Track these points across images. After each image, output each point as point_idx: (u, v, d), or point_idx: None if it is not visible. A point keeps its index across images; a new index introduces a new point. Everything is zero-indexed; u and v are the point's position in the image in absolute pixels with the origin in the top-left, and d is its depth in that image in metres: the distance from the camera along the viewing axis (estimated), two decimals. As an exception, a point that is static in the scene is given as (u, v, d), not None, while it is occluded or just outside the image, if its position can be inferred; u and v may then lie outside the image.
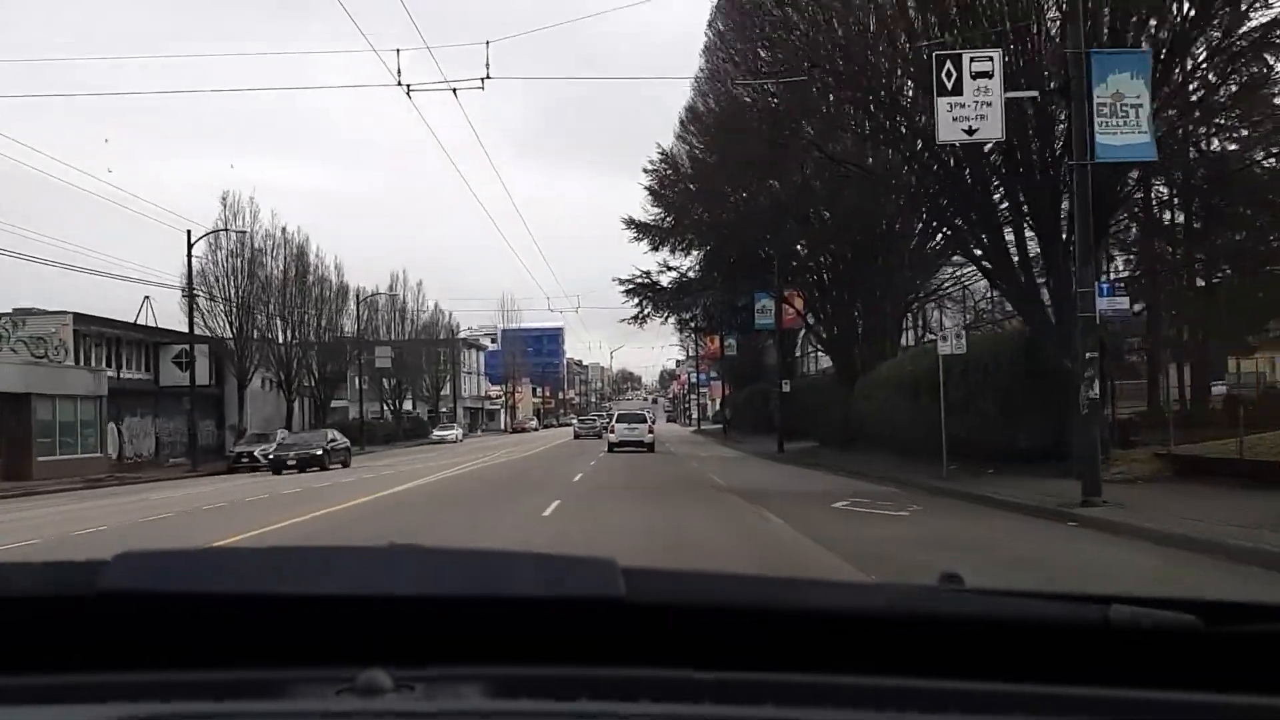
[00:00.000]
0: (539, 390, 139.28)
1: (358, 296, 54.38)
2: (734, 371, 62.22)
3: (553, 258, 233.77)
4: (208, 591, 1.13)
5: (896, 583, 1.58)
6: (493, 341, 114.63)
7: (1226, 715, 1.10)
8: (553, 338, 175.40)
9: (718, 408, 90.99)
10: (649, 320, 54.27)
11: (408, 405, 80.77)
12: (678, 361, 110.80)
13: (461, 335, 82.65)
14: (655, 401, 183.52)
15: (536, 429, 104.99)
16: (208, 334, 41.21)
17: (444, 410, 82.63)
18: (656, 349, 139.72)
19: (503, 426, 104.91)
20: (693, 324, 57.69)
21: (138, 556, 1.18)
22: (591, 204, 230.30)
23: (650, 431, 43.82)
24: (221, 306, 40.81)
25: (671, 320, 56.63)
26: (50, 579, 1.22)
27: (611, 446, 41.75)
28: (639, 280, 53.46)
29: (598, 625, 1.15)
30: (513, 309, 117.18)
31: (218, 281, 40.89)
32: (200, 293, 39.50)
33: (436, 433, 68.03)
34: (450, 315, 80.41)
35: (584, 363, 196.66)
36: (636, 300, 54.03)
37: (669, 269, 52.33)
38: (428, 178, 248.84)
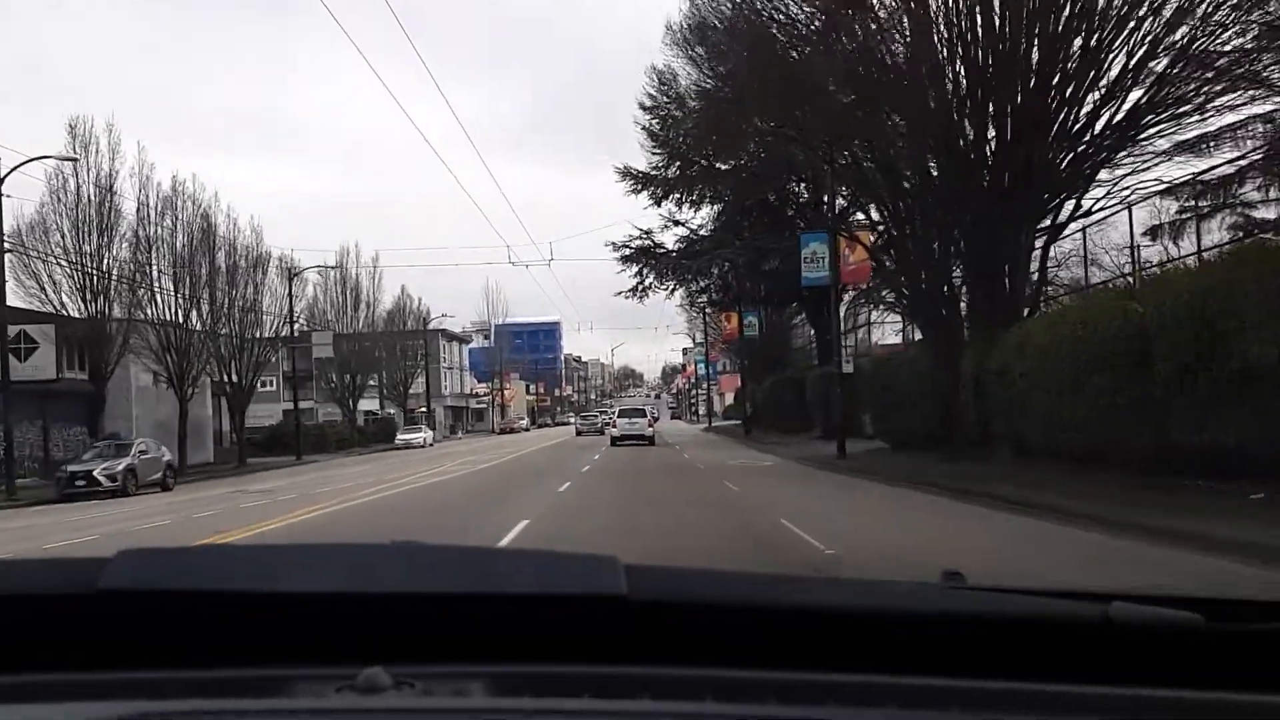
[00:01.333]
0: (532, 387, 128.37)
1: (289, 271, 43.66)
2: (754, 357, 51.49)
3: (552, 261, 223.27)
4: (208, 589, 1.13)
5: (899, 581, 1.34)
6: (486, 338, 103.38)
7: (1227, 712, 1.09)
8: (549, 333, 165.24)
9: (731, 401, 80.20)
10: (650, 292, 43.74)
11: (372, 405, 70.20)
12: (684, 350, 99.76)
13: (436, 325, 71.55)
14: (658, 397, 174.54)
15: (527, 429, 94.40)
16: (52, 309, 30.49)
17: (420, 410, 71.96)
18: (660, 328, 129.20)
19: (491, 427, 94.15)
20: (705, 297, 46.90)
21: (138, 554, 1.17)
22: (591, 200, 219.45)
23: (650, 425, 43.96)
24: (65, 270, 30.04)
25: (679, 293, 45.99)
26: (52, 577, 1.22)
27: (614, 440, 41.97)
28: (637, 242, 42.84)
29: (599, 623, 1.13)
30: (498, 297, 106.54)
31: (64, 238, 30.17)
32: (32, 252, 28.88)
33: (401, 436, 57.39)
34: (419, 301, 69.59)
35: (583, 359, 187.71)
36: (635, 268, 43.46)
37: (675, 223, 41.72)
38: (417, 175, 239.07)
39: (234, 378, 39.73)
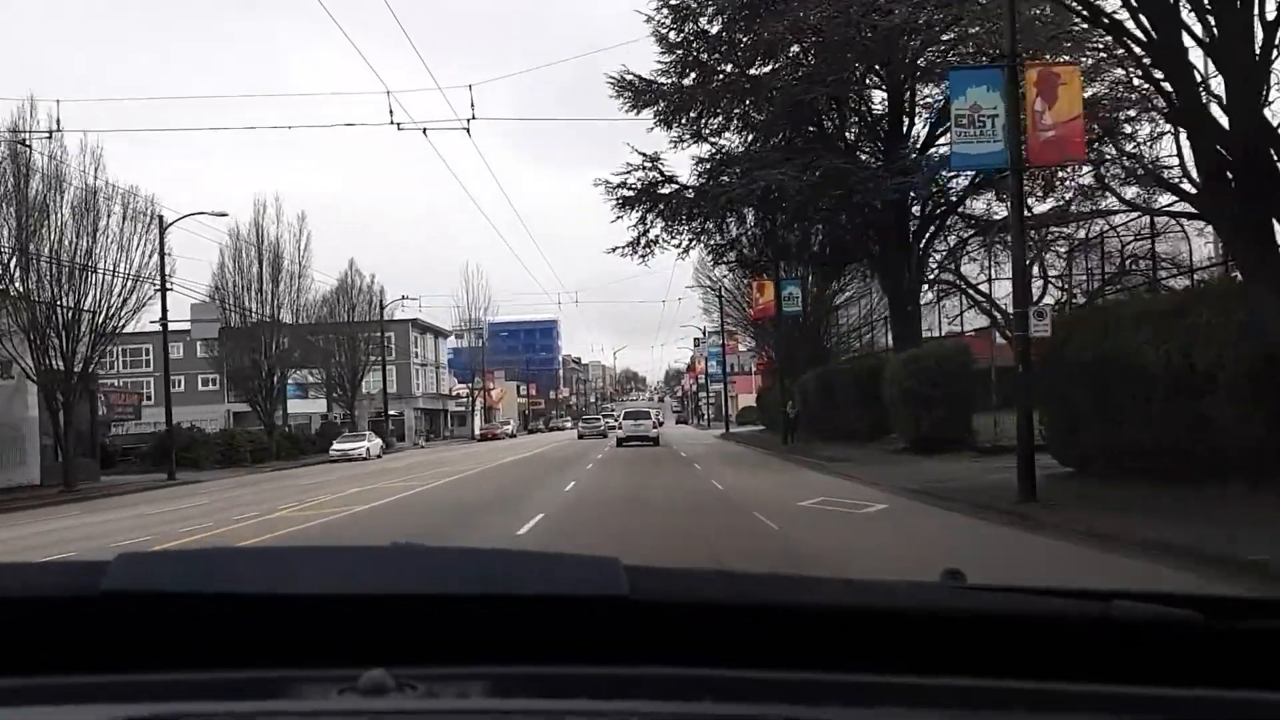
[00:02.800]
0: (523, 388, 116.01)
1: (159, 220, 31.46)
2: (795, 341, 39.12)
3: (553, 260, 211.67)
4: (211, 591, 1.12)
5: (899, 580, 1.32)
6: (479, 338, 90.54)
7: (1227, 710, 1.09)
8: (546, 331, 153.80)
9: (754, 403, 67.95)
10: (657, 248, 31.51)
11: (318, 407, 58.11)
12: (695, 341, 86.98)
13: (394, 309, 59.11)
14: (661, 401, 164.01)
15: (513, 435, 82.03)
16: None
17: (377, 413, 59.65)
18: (667, 301, 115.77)
19: (472, 432, 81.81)
20: (733, 253, 34.42)
21: (140, 557, 1.17)
22: (589, 201, 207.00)
23: (655, 427, 43.37)
24: None
25: (696, 250, 33.57)
26: (54, 580, 1.21)
27: (620, 441, 42.06)
28: (639, 174, 30.65)
29: (601, 624, 1.13)
30: (479, 282, 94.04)
31: None
32: None
33: (336, 446, 45.08)
34: (373, 279, 57.16)
35: (583, 360, 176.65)
36: (637, 214, 31.28)
37: (696, 138, 29.44)
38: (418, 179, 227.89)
39: (58, 363, 27.60)
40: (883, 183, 25.21)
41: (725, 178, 27.79)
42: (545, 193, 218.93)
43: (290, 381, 56.56)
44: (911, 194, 27.27)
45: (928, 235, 29.71)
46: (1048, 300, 32.45)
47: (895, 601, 1.22)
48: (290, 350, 44.58)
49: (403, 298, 55.50)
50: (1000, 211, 30.48)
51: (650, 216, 30.55)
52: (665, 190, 30.04)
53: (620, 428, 44.85)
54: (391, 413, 74.15)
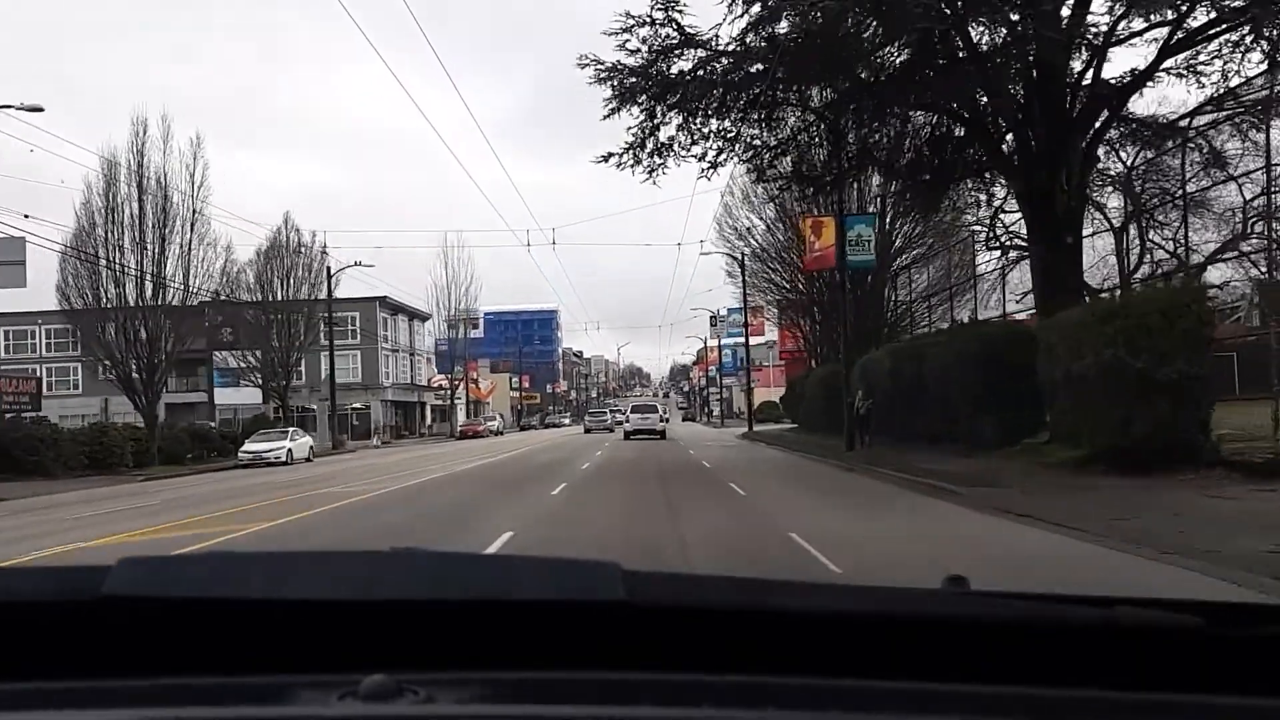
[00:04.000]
0: (516, 381, 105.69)
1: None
2: (846, 309, 28.52)
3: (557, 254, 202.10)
4: (212, 596, 1.13)
5: (901, 586, 1.31)
6: (474, 327, 79.96)
7: (1230, 716, 1.09)
8: (545, 322, 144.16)
9: (778, 396, 57.59)
10: (671, 156, 21.18)
11: (251, 397, 47.75)
12: (711, 319, 76.20)
13: (341, 274, 48.48)
14: (667, 396, 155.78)
15: (499, 432, 71.62)
16: None
17: (322, 403, 49.36)
18: (681, 248, 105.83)
19: (451, 429, 71.41)
20: (786, 161, 23.58)
21: (141, 562, 1.17)
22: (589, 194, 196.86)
23: (661, 421, 45.49)
24: None
25: (725, 157, 22.84)
26: (55, 583, 1.22)
27: (627, 434, 43.13)
28: (647, 33, 20.18)
29: (600, 628, 1.14)
30: (460, 255, 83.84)
31: None
32: None
33: (249, 447, 34.62)
34: (314, 236, 46.68)
35: (584, 354, 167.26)
36: (642, 104, 21.01)
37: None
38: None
39: None
40: (1048, 14, 14.89)
41: (785, 24, 17.37)
42: (544, 187, 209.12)
43: (215, 367, 46.43)
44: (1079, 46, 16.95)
45: (1087, 139, 19.26)
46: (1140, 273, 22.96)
47: (898, 607, 1.20)
48: (184, 321, 34.09)
49: (356, 262, 45.00)
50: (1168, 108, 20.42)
51: (656, 105, 20.22)
52: (687, 63, 19.64)
53: (628, 421, 45.53)
54: (356, 405, 64.02)
